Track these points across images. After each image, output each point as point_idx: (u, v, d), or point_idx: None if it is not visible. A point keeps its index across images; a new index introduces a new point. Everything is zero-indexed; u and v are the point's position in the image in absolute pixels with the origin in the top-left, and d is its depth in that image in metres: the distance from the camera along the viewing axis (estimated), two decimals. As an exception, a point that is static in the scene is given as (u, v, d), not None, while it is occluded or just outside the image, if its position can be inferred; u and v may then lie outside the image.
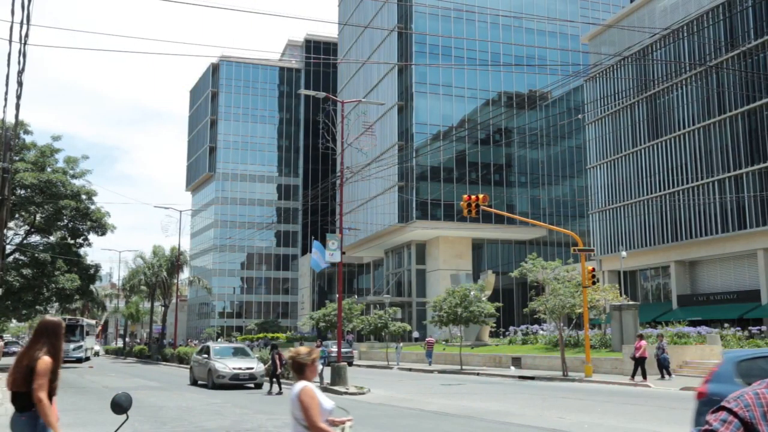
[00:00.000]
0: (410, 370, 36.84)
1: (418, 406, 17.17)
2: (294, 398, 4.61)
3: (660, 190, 52.13)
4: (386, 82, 73.15)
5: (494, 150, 70.07)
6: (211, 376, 23.26)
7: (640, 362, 24.04)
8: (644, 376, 23.91)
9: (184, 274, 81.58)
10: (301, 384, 4.61)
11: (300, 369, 4.69)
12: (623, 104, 56.49)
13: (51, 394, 5.29)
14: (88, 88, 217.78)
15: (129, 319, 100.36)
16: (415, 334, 60.71)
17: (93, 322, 62.41)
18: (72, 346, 43.58)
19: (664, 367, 24.62)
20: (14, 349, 51.92)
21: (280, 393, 21.23)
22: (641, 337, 25.22)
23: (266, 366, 23.04)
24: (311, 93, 27.76)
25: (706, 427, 1.85)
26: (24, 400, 5.26)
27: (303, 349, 4.77)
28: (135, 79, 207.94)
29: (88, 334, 46.87)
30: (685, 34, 50.62)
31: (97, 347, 66.23)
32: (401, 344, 44.88)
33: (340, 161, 27.69)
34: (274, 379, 21.96)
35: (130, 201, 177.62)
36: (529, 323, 45.03)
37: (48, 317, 5.62)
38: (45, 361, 5.22)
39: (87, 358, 47.82)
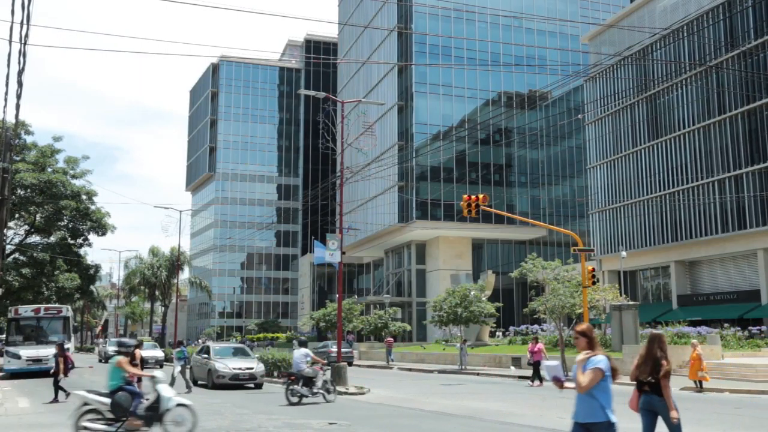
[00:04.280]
0: (410, 370, 36.83)
1: (419, 406, 17.17)
2: None
3: (660, 190, 52.14)
4: (386, 82, 73.15)
5: (494, 150, 70.07)
6: (211, 376, 23.26)
7: (536, 366, 24.02)
8: (540, 380, 23.85)
9: (184, 274, 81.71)
10: None
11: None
12: (623, 104, 56.50)
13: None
14: (88, 88, 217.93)
15: (129, 319, 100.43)
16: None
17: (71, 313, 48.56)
18: (53, 350, 29.12)
19: None
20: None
21: (61, 401, 18.22)
22: (536, 340, 25.15)
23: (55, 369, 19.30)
24: (311, 93, 27.73)
25: None
26: (653, 386, 7.71)
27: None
28: (135, 79, 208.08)
29: (70, 330, 33.28)
30: (685, 34, 50.62)
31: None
32: (466, 344, 35.66)
33: (340, 161, 27.69)
34: (59, 386, 18.80)
35: (130, 201, 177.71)
36: (529, 323, 45.04)
37: (654, 331, 8.43)
38: (668, 361, 7.78)
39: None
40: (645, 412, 7.81)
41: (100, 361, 47.88)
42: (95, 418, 11.15)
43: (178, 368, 22.14)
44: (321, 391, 18.00)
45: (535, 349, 24.15)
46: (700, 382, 21.01)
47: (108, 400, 11.20)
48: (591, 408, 5.83)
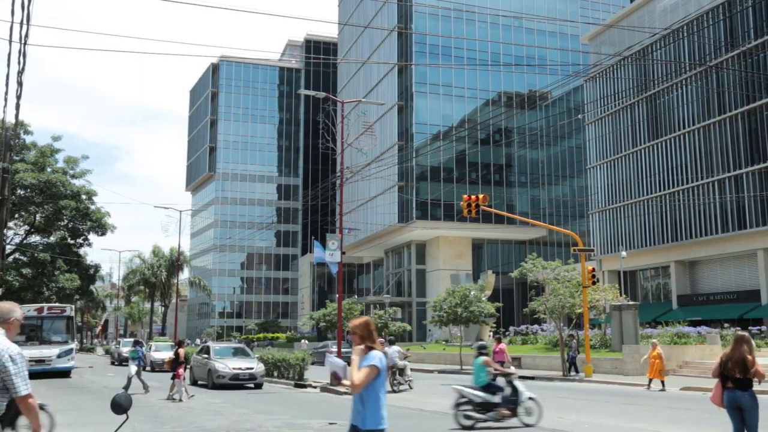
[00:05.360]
0: (410, 370, 36.77)
1: (418, 406, 17.17)
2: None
3: (660, 190, 52.13)
4: (386, 82, 73.15)
5: (494, 150, 70.07)
6: (211, 376, 23.26)
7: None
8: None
9: (184, 274, 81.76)
10: None
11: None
12: (623, 104, 56.49)
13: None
14: (88, 88, 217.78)
15: (129, 319, 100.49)
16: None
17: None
18: (57, 351, 28.04)
19: (573, 365, 27.15)
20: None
21: None
22: (499, 340, 24.53)
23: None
24: (311, 93, 27.73)
25: None
26: (746, 383, 8.27)
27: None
28: (135, 79, 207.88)
29: (74, 330, 31.12)
30: (685, 34, 50.62)
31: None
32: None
33: (340, 161, 27.68)
34: None
35: (130, 201, 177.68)
36: (529, 323, 45.03)
37: (740, 332, 8.82)
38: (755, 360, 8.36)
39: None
40: (731, 410, 8.45)
41: (112, 363, 44.23)
42: (469, 408, 13.08)
43: (134, 369, 21.20)
44: (409, 379, 22.61)
45: (497, 349, 23.71)
46: (661, 381, 21.51)
47: (481, 393, 13.14)
48: (359, 409, 5.25)
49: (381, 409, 5.20)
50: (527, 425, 12.94)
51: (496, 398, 13.12)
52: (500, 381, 13.66)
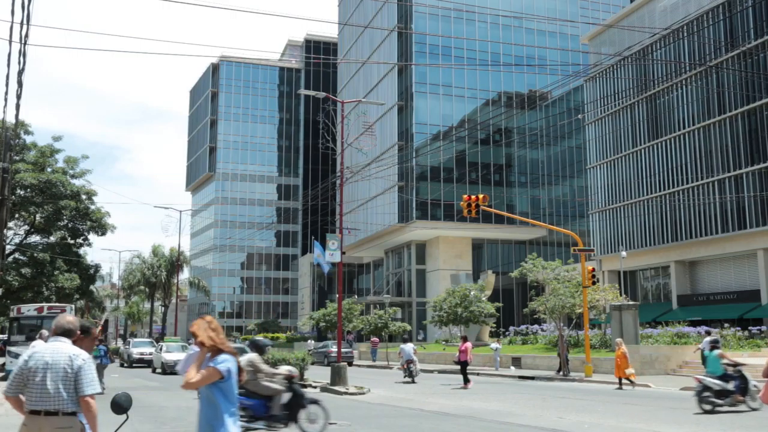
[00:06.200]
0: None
1: (418, 406, 17.17)
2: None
3: (660, 190, 52.13)
4: (386, 82, 73.14)
5: (494, 150, 70.06)
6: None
7: (463, 366, 23.54)
8: (467, 382, 23.29)
9: (184, 274, 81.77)
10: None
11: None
12: (623, 104, 56.49)
13: None
14: (88, 88, 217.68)
15: (129, 319, 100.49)
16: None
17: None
18: None
19: (564, 363, 27.49)
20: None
21: None
22: (465, 339, 24.81)
23: None
24: (311, 93, 27.77)
25: None
26: None
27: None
28: (135, 79, 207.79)
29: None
30: (685, 34, 50.62)
31: None
32: (500, 345, 34.28)
33: (340, 161, 27.68)
34: None
35: (130, 201, 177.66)
36: (529, 323, 45.05)
37: None
38: None
39: None
40: None
41: (122, 365, 42.67)
42: (709, 395, 14.71)
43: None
44: (417, 373, 25.81)
45: (462, 348, 23.82)
46: (628, 379, 22.08)
47: (719, 381, 14.77)
48: (209, 419, 4.89)
49: (228, 414, 4.87)
50: (754, 409, 14.80)
51: (730, 386, 14.82)
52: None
